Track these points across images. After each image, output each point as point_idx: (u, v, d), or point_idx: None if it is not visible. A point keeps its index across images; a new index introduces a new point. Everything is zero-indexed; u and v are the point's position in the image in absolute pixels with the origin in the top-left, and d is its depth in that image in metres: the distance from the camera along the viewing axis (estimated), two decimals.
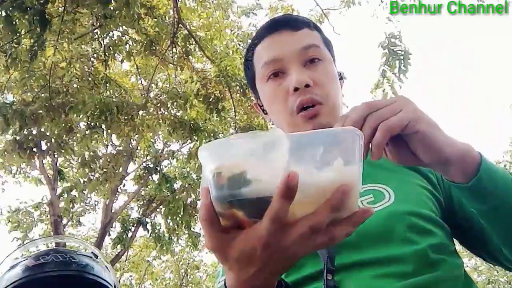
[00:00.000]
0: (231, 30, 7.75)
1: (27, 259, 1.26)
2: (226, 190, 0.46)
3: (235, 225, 0.49)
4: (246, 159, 0.46)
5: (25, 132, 5.57)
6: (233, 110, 6.81)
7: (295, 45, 0.87)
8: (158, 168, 9.35)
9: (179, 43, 6.15)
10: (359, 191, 0.48)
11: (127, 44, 6.11)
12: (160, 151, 9.89)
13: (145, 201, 9.89)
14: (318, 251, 0.71)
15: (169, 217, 8.57)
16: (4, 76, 5.87)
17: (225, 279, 0.54)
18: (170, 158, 10.06)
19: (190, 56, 6.34)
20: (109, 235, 10.19)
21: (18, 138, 5.67)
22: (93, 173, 7.63)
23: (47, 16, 4.20)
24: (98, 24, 5.25)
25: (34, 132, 5.77)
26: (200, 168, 0.53)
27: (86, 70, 6.09)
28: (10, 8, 3.94)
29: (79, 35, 5.51)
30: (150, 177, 9.46)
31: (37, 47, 4.36)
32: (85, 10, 4.87)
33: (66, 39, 5.38)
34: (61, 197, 8.47)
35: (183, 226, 8.53)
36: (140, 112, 6.23)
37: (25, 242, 5.85)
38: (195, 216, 8.34)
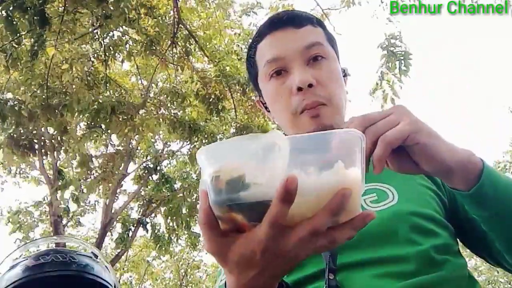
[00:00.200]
0: (232, 30, 7.75)
1: (27, 259, 1.26)
2: (225, 194, 0.46)
3: (235, 229, 0.48)
4: (245, 162, 0.46)
5: (21, 130, 5.57)
6: (234, 110, 6.81)
7: (298, 44, 0.86)
8: (158, 168, 9.36)
9: (179, 43, 6.15)
10: (360, 195, 0.48)
11: (127, 44, 6.11)
12: (160, 151, 9.89)
13: (145, 201, 9.89)
14: None
15: (169, 217, 8.58)
16: (4, 76, 5.87)
17: (225, 281, 0.54)
18: (170, 158, 10.07)
19: (190, 56, 6.34)
20: (111, 235, 10.20)
21: (14, 135, 5.68)
22: (89, 172, 7.62)
23: (47, 16, 4.20)
24: (98, 24, 5.25)
25: (30, 130, 5.77)
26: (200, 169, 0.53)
27: (86, 70, 6.09)
28: (11, 8, 3.94)
29: (79, 35, 5.51)
30: (150, 177, 9.46)
31: (37, 47, 4.37)
32: (85, 10, 4.87)
33: (66, 39, 5.38)
34: (59, 192, 8.43)
35: (183, 226, 8.53)
36: (140, 112, 6.24)
37: (25, 242, 5.85)
38: (195, 217, 8.34)
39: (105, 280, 1.28)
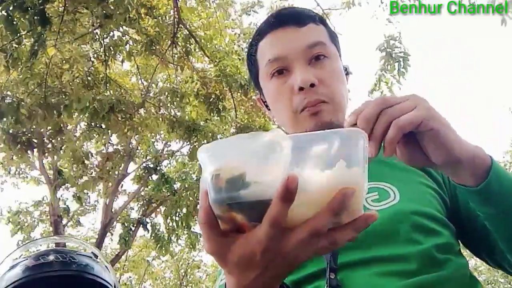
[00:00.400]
0: (232, 29, 7.74)
1: (27, 259, 1.26)
2: (225, 192, 0.45)
3: (235, 229, 0.48)
4: (245, 160, 0.45)
5: (19, 126, 5.57)
6: (234, 109, 6.81)
7: (300, 43, 0.85)
8: (158, 168, 9.36)
9: (179, 43, 6.15)
10: (363, 194, 0.47)
11: (127, 44, 6.11)
12: (160, 151, 9.89)
13: (145, 201, 9.89)
14: None
15: (169, 217, 8.57)
16: (4, 76, 5.87)
17: (225, 282, 0.54)
18: (170, 158, 10.07)
19: (190, 56, 6.34)
20: (111, 235, 10.19)
21: (11, 131, 5.68)
22: (85, 169, 7.63)
23: (47, 16, 4.20)
24: (98, 24, 5.25)
25: (29, 128, 5.78)
26: (200, 169, 0.52)
27: (86, 70, 6.10)
28: (11, 8, 3.94)
29: (79, 35, 5.51)
30: (150, 177, 9.46)
31: (38, 46, 4.37)
32: (85, 10, 4.87)
33: (66, 39, 5.38)
34: (58, 190, 8.43)
35: (183, 226, 8.53)
36: (140, 112, 6.24)
37: (25, 242, 5.85)
38: (195, 217, 8.34)
39: (105, 280, 1.28)
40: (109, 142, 8.79)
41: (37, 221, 10.48)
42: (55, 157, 7.49)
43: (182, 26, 6.01)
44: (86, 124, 6.62)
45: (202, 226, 0.48)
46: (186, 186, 8.94)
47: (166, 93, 6.67)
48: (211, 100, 6.15)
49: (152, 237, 9.63)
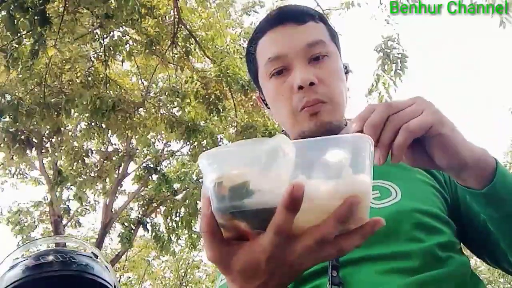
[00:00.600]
0: (232, 29, 7.73)
1: (27, 259, 1.26)
2: (228, 201, 0.44)
3: (238, 237, 0.47)
4: (249, 168, 0.44)
5: (18, 125, 5.57)
6: (234, 110, 6.80)
7: (300, 41, 0.84)
8: (158, 168, 9.35)
9: (179, 43, 6.14)
10: (369, 202, 0.46)
11: (128, 44, 6.11)
12: (160, 151, 9.89)
13: (145, 201, 9.89)
14: None
15: (169, 217, 8.57)
16: (4, 76, 5.87)
17: (225, 282, 0.54)
18: (170, 158, 10.06)
19: (190, 56, 6.33)
20: (109, 234, 10.19)
21: (10, 129, 5.68)
22: (84, 168, 7.63)
23: (47, 16, 4.20)
24: (98, 24, 5.25)
25: (28, 126, 5.78)
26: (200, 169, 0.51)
27: (86, 70, 6.10)
28: (11, 8, 3.94)
29: (79, 35, 5.51)
30: (150, 177, 9.46)
31: (38, 46, 4.37)
32: (85, 10, 4.87)
33: (67, 39, 5.38)
34: (57, 190, 8.42)
35: (183, 226, 8.52)
36: (139, 111, 6.24)
37: (25, 242, 5.85)
38: (195, 217, 8.34)
39: (105, 280, 1.28)
40: (109, 142, 8.80)
41: (37, 221, 10.49)
42: (56, 154, 7.48)
43: (182, 26, 6.01)
44: (86, 124, 6.61)
45: (204, 234, 0.47)
46: (186, 186, 8.94)
47: (166, 93, 6.68)
48: (211, 100, 6.14)
49: (152, 237, 9.63)
